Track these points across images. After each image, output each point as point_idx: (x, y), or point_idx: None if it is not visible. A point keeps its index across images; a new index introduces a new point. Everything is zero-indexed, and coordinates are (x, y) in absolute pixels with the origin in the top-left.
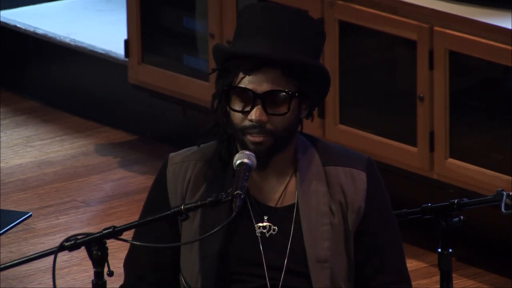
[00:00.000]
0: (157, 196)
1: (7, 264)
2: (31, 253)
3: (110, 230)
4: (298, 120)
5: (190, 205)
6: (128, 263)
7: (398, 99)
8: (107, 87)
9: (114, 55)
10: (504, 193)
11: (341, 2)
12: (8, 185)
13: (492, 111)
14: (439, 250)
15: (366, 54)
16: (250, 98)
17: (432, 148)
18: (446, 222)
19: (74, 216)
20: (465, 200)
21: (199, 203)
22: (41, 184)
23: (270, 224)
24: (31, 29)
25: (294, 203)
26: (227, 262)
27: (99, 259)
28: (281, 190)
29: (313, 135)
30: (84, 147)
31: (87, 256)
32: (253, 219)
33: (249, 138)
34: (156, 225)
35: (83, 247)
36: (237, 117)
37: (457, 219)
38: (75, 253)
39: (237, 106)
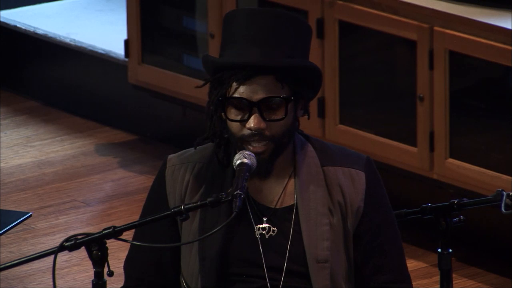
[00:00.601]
0: (156, 198)
1: (7, 264)
2: (31, 253)
3: (110, 230)
4: (296, 121)
5: (190, 205)
6: (128, 264)
7: (398, 99)
8: (107, 87)
9: (114, 55)
10: (504, 193)
11: (341, 2)
12: (8, 185)
13: (492, 111)
14: (439, 250)
15: (366, 54)
16: (246, 107)
17: (432, 148)
18: (446, 222)
19: (74, 216)
20: (465, 200)
21: (199, 203)
22: (41, 184)
23: (269, 225)
24: (31, 29)
25: (293, 204)
26: (227, 263)
27: (99, 259)
28: (280, 191)
29: (311, 135)
30: (84, 147)
31: (87, 256)
32: (253, 220)
33: (250, 148)
34: (156, 225)
35: (83, 247)
36: (234, 126)
37: (457, 219)
38: (75, 253)
39: (234, 115)
